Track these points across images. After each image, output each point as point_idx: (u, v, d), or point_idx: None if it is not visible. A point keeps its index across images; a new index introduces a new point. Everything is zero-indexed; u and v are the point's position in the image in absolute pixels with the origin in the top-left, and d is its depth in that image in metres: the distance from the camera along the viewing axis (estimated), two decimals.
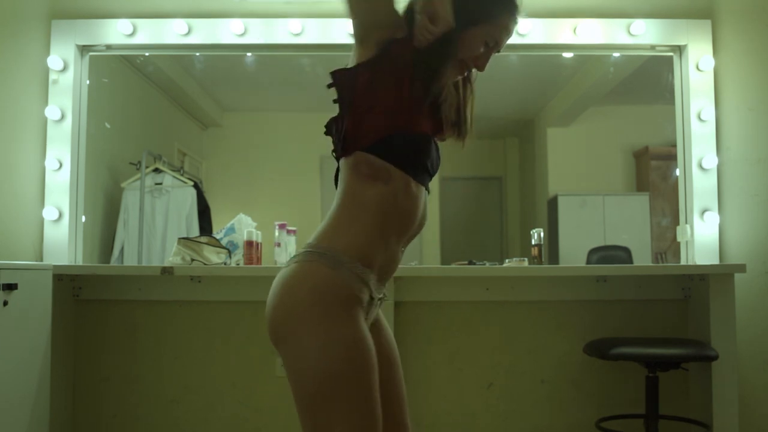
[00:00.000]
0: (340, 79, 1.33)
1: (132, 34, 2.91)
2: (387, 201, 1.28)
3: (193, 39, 2.92)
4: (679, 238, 2.95)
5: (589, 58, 3.22)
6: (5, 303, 2.08)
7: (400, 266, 1.31)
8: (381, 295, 1.36)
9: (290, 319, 1.20)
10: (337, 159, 1.35)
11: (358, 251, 1.25)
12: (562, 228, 3.42)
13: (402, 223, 1.32)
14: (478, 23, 1.35)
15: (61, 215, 2.83)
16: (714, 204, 2.84)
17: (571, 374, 2.73)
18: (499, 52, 1.41)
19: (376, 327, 1.40)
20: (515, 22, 1.39)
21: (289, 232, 2.75)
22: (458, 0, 1.31)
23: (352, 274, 1.23)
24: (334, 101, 1.35)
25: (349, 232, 1.26)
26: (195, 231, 3.17)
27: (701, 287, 2.61)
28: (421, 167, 1.32)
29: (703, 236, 2.84)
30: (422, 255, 3.27)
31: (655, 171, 3.49)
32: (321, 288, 1.21)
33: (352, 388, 1.18)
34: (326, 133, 1.38)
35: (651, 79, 3.25)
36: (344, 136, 1.30)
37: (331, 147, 1.37)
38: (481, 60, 1.39)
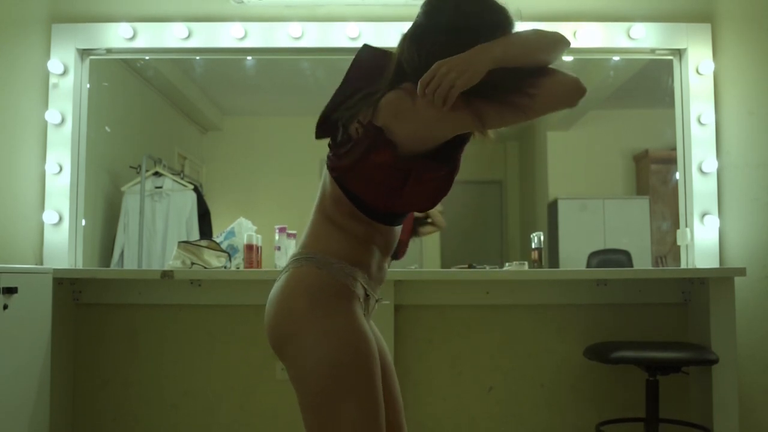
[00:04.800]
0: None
1: (132, 38, 2.91)
2: (363, 234, 1.30)
3: (194, 43, 2.92)
4: (679, 242, 2.95)
5: (589, 61, 3.22)
6: (5, 307, 2.08)
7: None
8: (377, 296, 1.37)
9: (290, 322, 1.22)
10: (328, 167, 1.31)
11: (343, 254, 1.27)
12: (562, 232, 3.42)
13: (376, 248, 1.34)
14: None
15: (61, 219, 2.83)
16: (714, 207, 2.84)
17: (572, 378, 2.72)
18: None
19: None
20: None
21: (289, 235, 2.74)
22: (450, 35, 1.24)
23: (340, 271, 1.25)
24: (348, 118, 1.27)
25: (331, 240, 1.29)
26: (195, 235, 3.17)
27: (701, 291, 2.60)
28: (398, 222, 1.36)
29: (703, 240, 2.84)
30: (422, 259, 3.27)
31: (655, 175, 3.48)
32: (315, 287, 1.24)
33: (357, 377, 1.19)
34: (320, 134, 1.32)
35: (651, 83, 3.25)
36: (345, 166, 1.25)
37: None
38: None
